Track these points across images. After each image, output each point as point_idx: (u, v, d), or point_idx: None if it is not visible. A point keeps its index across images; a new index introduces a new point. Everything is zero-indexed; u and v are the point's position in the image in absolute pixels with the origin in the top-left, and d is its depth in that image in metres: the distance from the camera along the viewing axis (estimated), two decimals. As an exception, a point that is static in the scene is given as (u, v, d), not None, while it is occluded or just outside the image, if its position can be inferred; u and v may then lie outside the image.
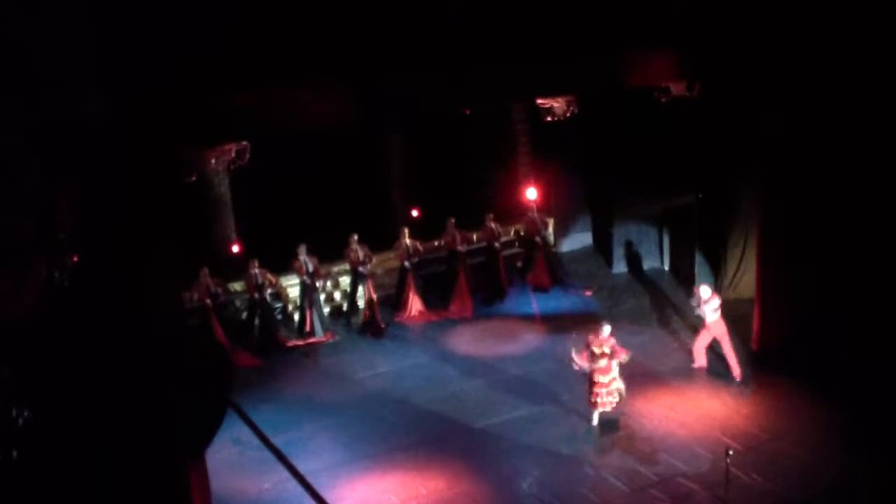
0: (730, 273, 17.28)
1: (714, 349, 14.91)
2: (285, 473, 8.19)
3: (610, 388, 13.25)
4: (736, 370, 14.56)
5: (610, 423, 13.31)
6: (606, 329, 13.33)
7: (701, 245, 17.53)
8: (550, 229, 21.39)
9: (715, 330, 14.59)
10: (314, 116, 12.20)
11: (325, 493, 9.01)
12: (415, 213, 19.75)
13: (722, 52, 13.90)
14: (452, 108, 17.19)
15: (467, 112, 18.48)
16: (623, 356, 13.33)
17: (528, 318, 18.09)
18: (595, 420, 13.45)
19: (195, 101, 10.30)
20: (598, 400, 13.25)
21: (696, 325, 15.71)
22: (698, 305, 14.52)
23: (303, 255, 17.53)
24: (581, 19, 12.80)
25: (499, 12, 12.17)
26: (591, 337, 13.39)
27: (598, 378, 13.20)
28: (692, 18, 13.39)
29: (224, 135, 12.26)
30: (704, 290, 14.49)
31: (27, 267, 7.02)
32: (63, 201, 7.38)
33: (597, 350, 13.18)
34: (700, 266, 17.58)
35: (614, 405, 13.36)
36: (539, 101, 17.23)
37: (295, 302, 18.47)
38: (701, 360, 14.94)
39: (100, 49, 8.41)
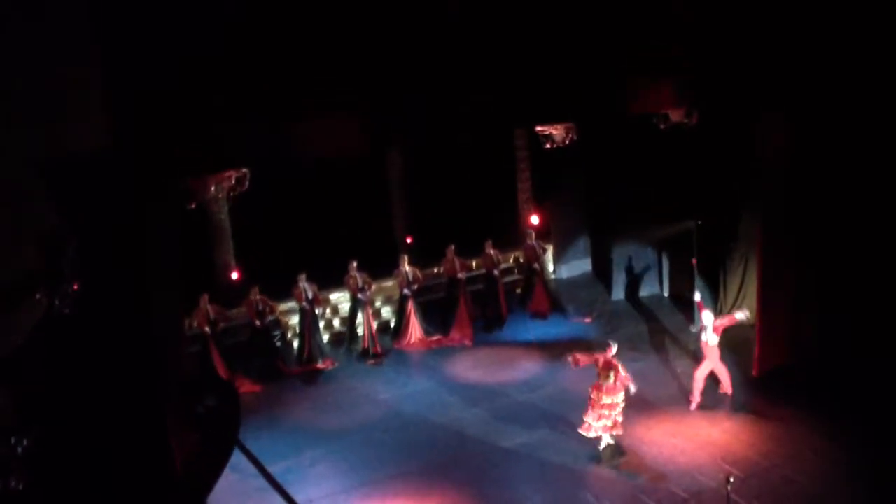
0: (730, 299, 17.27)
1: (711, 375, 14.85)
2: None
3: (611, 413, 13.02)
4: (728, 389, 14.65)
5: (611, 451, 13.24)
6: (614, 348, 13.15)
7: (701, 271, 17.53)
8: (549, 256, 21.40)
9: (711, 355, 14.54)
10: (321, 146, 12.28)
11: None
12: (408, 240, 19.75)
13: (720, 78, 13.99)
14: (455, 132, 17.26)
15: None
16: (631, 385, 13.06)
17: (527, 345, 18.07)
18: (603, 443, 13.24)
19: (198, 130, 10.36)
20: (596, 422, 13.04)
21: (696, 351, 15.70)
22: (703, 328, 14.48)
23: (302, 283, 17.56)
24: (583, 48, 12.90)
25: (502, 41, 12.26)
26: (598, 355, 13.21)
27: (604, 398, 13.00)
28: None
29: (226, 162, 12.31)
30: (707, 315, 14.49)
31: (27, 297, 7.02)
32: (66, 229, 7.40)
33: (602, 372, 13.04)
34: (700, 292, 17.57)
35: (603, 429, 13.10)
36: (538, 128, 17.30)
37: (294, 329, 18.45)
38: (699, 397, 14.57)
39: (105, 73, 8.47)
